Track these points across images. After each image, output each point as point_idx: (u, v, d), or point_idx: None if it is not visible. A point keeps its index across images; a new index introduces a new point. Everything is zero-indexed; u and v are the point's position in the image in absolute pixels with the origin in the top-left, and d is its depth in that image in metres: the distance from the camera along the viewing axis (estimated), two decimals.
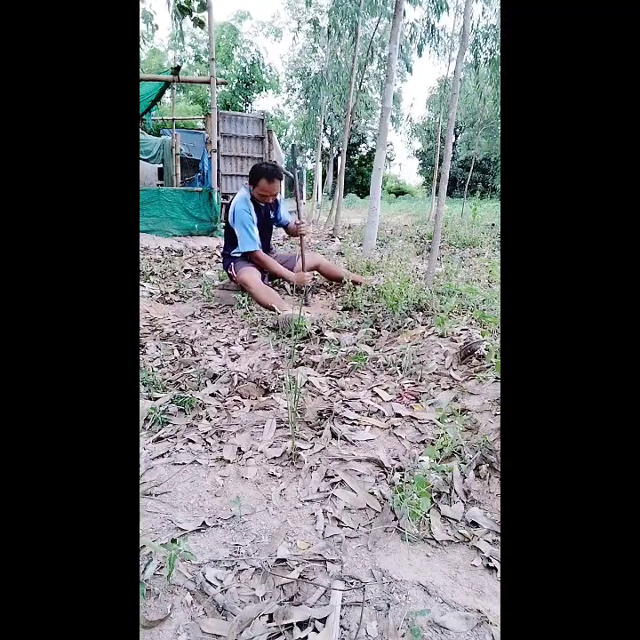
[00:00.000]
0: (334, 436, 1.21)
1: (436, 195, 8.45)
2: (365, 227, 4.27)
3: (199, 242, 5.12)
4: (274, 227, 2.92)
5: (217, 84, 5.52)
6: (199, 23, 4.79)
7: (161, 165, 8.14)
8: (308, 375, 1.56)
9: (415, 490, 0.91)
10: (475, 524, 0.92)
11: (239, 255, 2.67)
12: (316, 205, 10.38)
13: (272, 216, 2.83)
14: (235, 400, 1.42)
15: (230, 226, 2.67)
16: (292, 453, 1.12)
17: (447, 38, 7.95)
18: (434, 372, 1.52)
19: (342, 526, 0.91)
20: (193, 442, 1.19)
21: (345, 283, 2.62)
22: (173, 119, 8.70)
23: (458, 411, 1.25)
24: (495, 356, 1.43)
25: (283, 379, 1.54)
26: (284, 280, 2.72)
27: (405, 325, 2.01)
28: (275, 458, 1.13)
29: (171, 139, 8.05)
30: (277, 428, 1.26)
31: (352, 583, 0.78)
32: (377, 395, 1.44)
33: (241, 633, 0.68)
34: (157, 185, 7.49)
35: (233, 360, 1.76)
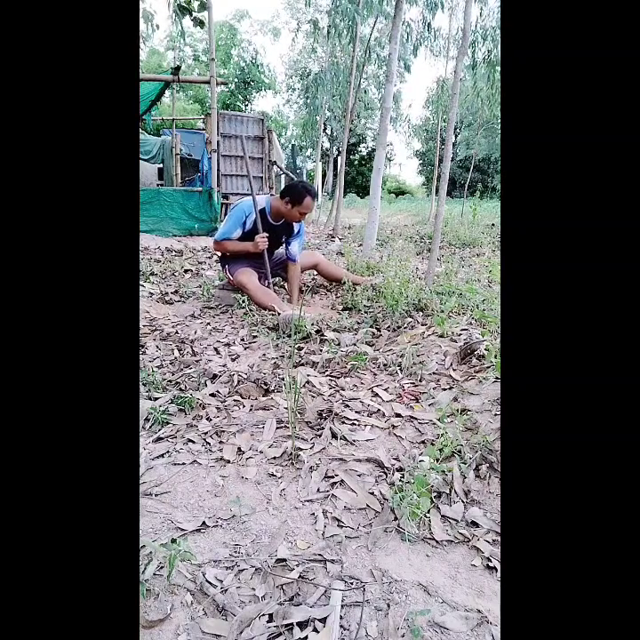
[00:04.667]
0: (334, 436, 1.21)
1: (436, 195, 8.46)
2: (365, 227, 4.27)
3: (199, 242, 5.12)
4: (283, 242, 2.73)
5: (217, 83, 5.52)
6: (199, 23, 4.79)
7: (161, 165, 8.14)
8: (308, 375, 1.56)
9: (415, 490, 0.91)
10: (475, 524, 0.92)
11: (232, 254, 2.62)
12: (315, 205, 10.38)
13: (284, 238, 2.68)
14: (235, 400, 1.42)
15: None
16: (291, 453, 1.12)
17: (443, 40, 7.95)
18: (434, 372, 1.52)
19: (342, 526, 0.91)
20: (193, 442, 1.19)
21: (344, 283, 2.61)
22: (173, 119, 8.70)
23: (458, 411, 1.25)
24: (495, 356, 1.44)
25: (283, 379, 1.54)
26: (249, 254, 2.55)
27: (405, 325, 2.01)
28: (275, 458, 1.13)
29: (171, 139, 8.05)
30: (277, 428, 1.26)
31: (352, 583, 0.78)
32: (377, 395, 1.44)
33: (241, 633, 0.68)
34: (157, 185, 7.49)
35: (233, 360, 1.76)
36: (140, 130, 8.97)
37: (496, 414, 1.20)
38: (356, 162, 26.32)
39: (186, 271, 3.43)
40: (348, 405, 1.36)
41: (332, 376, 1.60)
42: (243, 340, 2.00)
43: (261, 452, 1.15)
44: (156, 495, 0.98)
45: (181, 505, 0.96)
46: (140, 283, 2.86)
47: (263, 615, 0.70)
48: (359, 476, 1.05)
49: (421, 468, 0.99)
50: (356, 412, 1.33)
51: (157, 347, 1.84)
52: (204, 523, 0.90)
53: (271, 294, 2.42)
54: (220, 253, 2.70)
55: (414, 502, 0.90)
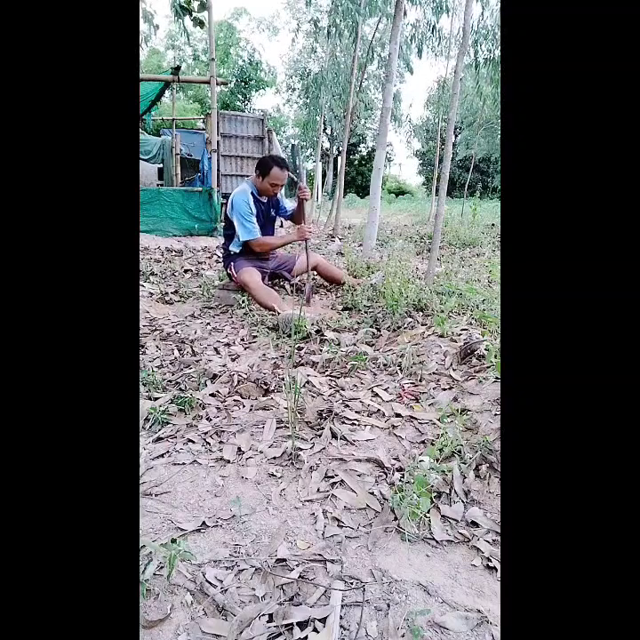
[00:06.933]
0: (334, 436, 1.21)
1: (436, 195, 8.44)
2: (365, 227, 4.27)
3: (199, 242, 5.12)
4: (276, 219, 2.90)
5: (217, 83, 5.52)
6: (199, 23, 4.78)
7: (161, 165, 8.14)
8: (308, 375, 1.56)
9: (415, 490, 0.91)
10: (475, 524, 0.92)
11: (238, 251, 2.65)
12: (315, 205, 10.38)
13: (273, 213, 2.81)
14: (235, 400, 1.42)
15: (229, 219, 2.63)
16: (291, 453, 1.12)
17: (445, 39, 7.93)
18: (434, 372, 1.52)
19: (342, 526, 0.91)
20: (193, 442, 1.19)
21: (344, 283, 2.61)
22: (173, 119, 8.69)
23: (458, 411, 1.25)
24: (495, 356, 1.43)
25: (283, 379, 1.54)
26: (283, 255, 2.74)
27: (405, 325, 2.01)
28: (275, 458, 1.13)
29: (171, 139, 8.05)
30: (277, 428, 1.26)
31: (352, 583, 0.78)
32: (377, 395, 1.43)
33: (241, 633, 0.68)
34: (157, 185, 7.49)
35: (233, 360, 1.76)
36: (140, 130, 8.96)
37: (496, 414, 1.20)
38: (356, 162, 26.30)
39: (186, 271, 3.44)
40: (348, 405, 1.36)
41: (332, 376, 1.60)
42: (243, 340, 2.00)
43: (261, 452, 1.15)
44: (156, 495, 0.98)
45: (181, 505, 0.96)
46: (140, 283, 2.86)
47: (263, 615, 0.70)
48: (359, 476, 1.05)
49: (421, 467, 0.99)
50: (356, 412, 1.33)
51: (157, 347, 1.84)
52: (203, 523, 0.90)
53: (273, 294, 2.43)
54: (222, 250, 2.74)
55: (414, 502, 0.90)
